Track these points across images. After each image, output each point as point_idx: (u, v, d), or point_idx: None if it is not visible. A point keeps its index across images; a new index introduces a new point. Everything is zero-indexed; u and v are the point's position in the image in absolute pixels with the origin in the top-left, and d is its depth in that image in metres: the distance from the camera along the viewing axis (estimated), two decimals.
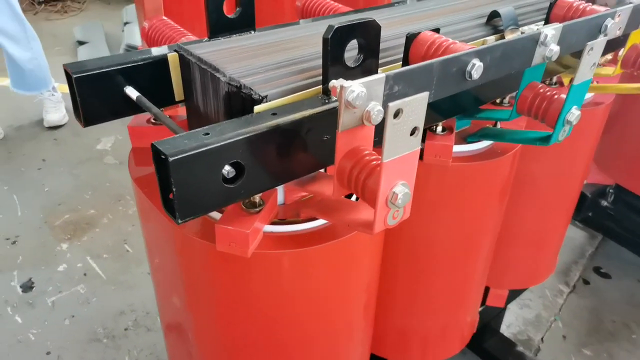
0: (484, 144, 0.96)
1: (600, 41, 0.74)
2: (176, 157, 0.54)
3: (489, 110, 0.93)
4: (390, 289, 1.08)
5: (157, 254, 0.88)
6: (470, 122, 0.98)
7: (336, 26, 0.63)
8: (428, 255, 1.04)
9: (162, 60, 0.85)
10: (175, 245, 0.77)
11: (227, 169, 0.60)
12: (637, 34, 1.01)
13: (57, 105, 3.25)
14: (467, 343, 1.24)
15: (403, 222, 0.93)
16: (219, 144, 0.56)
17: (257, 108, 0.65)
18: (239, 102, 0.68)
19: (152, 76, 0.85)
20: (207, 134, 0.58)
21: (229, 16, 0.88)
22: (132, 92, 0.81)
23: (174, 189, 0.55)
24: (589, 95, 1.15)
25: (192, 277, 0.77)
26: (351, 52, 0.66)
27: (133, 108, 0.82)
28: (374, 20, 0.67)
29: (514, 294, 1.56)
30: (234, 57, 0.79)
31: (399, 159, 0.55)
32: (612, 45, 1.03)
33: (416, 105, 0.53)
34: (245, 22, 0.90)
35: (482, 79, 0.71)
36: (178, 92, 0.84)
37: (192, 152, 0.55)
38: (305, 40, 0.85)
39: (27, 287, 2.07)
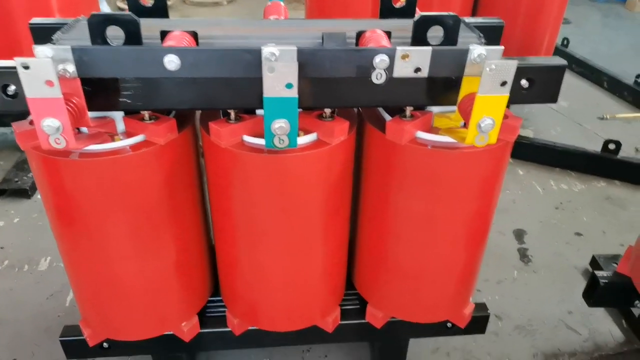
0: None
1: (282, 65, 0.83)
2: None
3: None
4: (232, 252, 1.28)
5: None
6: None
7: (93, 13, 0.93)
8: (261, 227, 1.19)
9: None
10: None
11: None
12: (470, 81, 0.97)
13: None
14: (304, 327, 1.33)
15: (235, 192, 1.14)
16: None
17: None
18: None
19: None
20: None
21: (145, 5, 1.21)
22: None
23: None
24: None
25: None
26: None
27: None
28: (131, 15, 0.94)
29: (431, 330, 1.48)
30: None
31: (43, 100, 0.84)
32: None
33: (41, 67, 0.81)
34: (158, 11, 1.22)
35: (189, 72, 0.90)
36: None
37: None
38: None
39: None
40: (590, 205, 2.47)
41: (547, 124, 3.16)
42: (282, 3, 1.45)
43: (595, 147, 2.70)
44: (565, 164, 2.73)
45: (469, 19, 1.26)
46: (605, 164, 2.67)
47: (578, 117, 3.25)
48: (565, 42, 3.99)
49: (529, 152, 2.76)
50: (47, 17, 1.26)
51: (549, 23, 2.67)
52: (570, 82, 3.72)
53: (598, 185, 2.63)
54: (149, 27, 1.05)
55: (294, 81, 0.85)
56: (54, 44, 1.02)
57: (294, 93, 0.87)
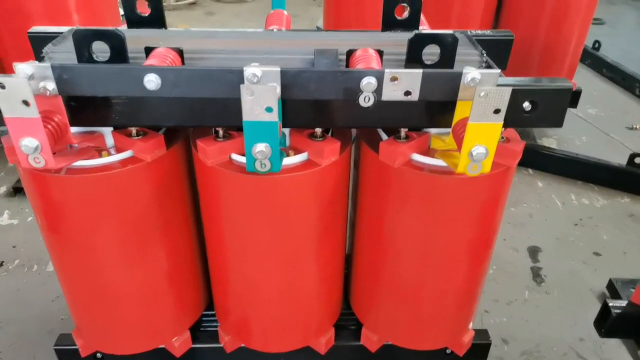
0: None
1: (261, 88, 0.80)
2: None
3: None
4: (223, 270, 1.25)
5: None
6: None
7: (77, 28, 0.92)
8: (251, 246, 1.17)
9: None
10: None
11: None
12: (465, 105, 0.91)
13: None
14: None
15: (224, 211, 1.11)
16: None
17: None
18: None
19: None
20: None
21: (142, 14, 1.20)
22: None
23: None
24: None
25: None
26: None
27: None
28: (116, 30, 0.92)
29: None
30: None
31: (21, 119, 0.83)
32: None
33: (17, 86, 0.79)
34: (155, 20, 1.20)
35: (170, 92, 0.88)
36: None
37: None
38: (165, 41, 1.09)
39: None
40: (612, 223, 2.35)
41: (572, 132, 3.03)
42: (284, 12, 1.41)
43: (621, 159, 2.58)
44: (588, 177, 2.61)
45: (477, 32, 1.20)
46: (630, 179, 2.54)
47: (605, 126, 3.11)
48: (596, 44, 3.83)
49: (550, 163, 2.66)
50: (46, 26, 1.24)
51: (576, 25, 2.55)
52: (600, 87, 3.57)
53: (622, 201, 2.51)
54: (142, 39, 1.03)
55: (274, 105, 0.82)
56: (43, 57, 1.02)
57: (274, 117, 0.83)
